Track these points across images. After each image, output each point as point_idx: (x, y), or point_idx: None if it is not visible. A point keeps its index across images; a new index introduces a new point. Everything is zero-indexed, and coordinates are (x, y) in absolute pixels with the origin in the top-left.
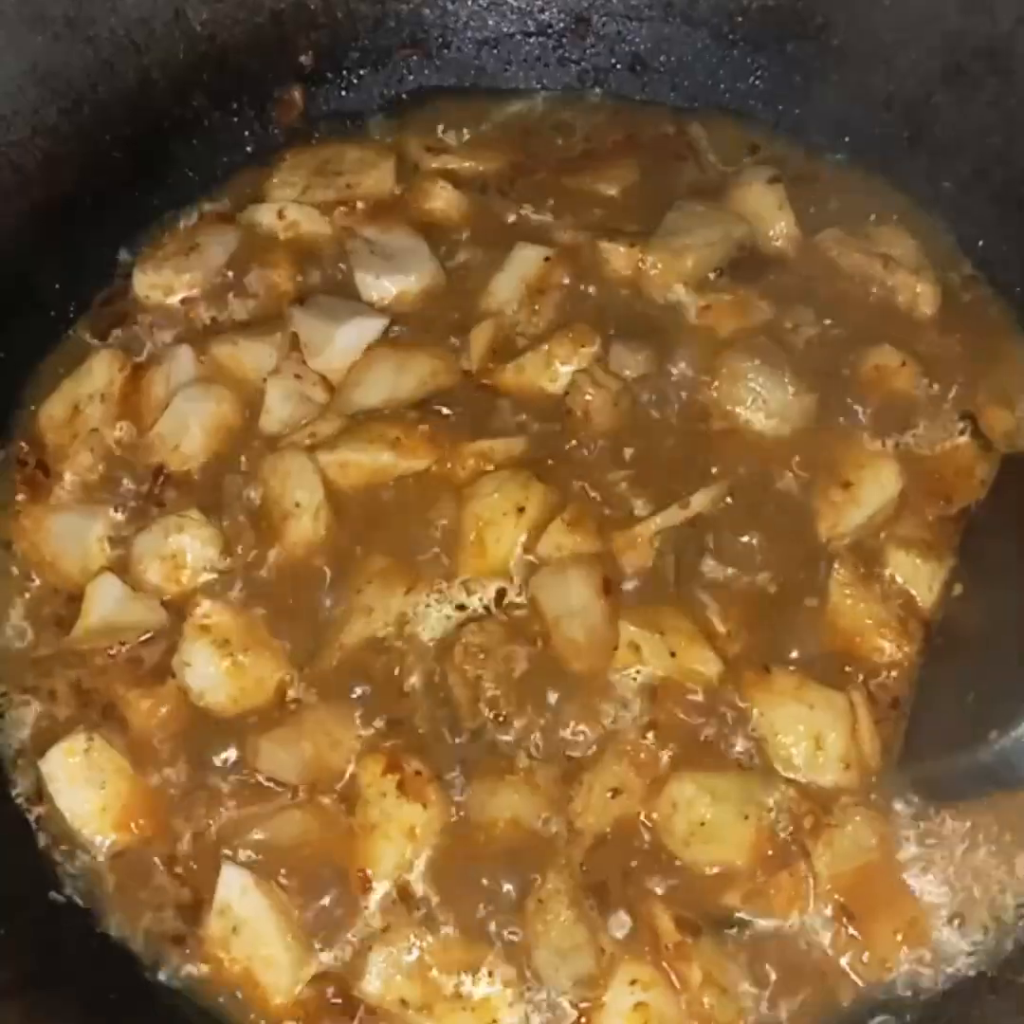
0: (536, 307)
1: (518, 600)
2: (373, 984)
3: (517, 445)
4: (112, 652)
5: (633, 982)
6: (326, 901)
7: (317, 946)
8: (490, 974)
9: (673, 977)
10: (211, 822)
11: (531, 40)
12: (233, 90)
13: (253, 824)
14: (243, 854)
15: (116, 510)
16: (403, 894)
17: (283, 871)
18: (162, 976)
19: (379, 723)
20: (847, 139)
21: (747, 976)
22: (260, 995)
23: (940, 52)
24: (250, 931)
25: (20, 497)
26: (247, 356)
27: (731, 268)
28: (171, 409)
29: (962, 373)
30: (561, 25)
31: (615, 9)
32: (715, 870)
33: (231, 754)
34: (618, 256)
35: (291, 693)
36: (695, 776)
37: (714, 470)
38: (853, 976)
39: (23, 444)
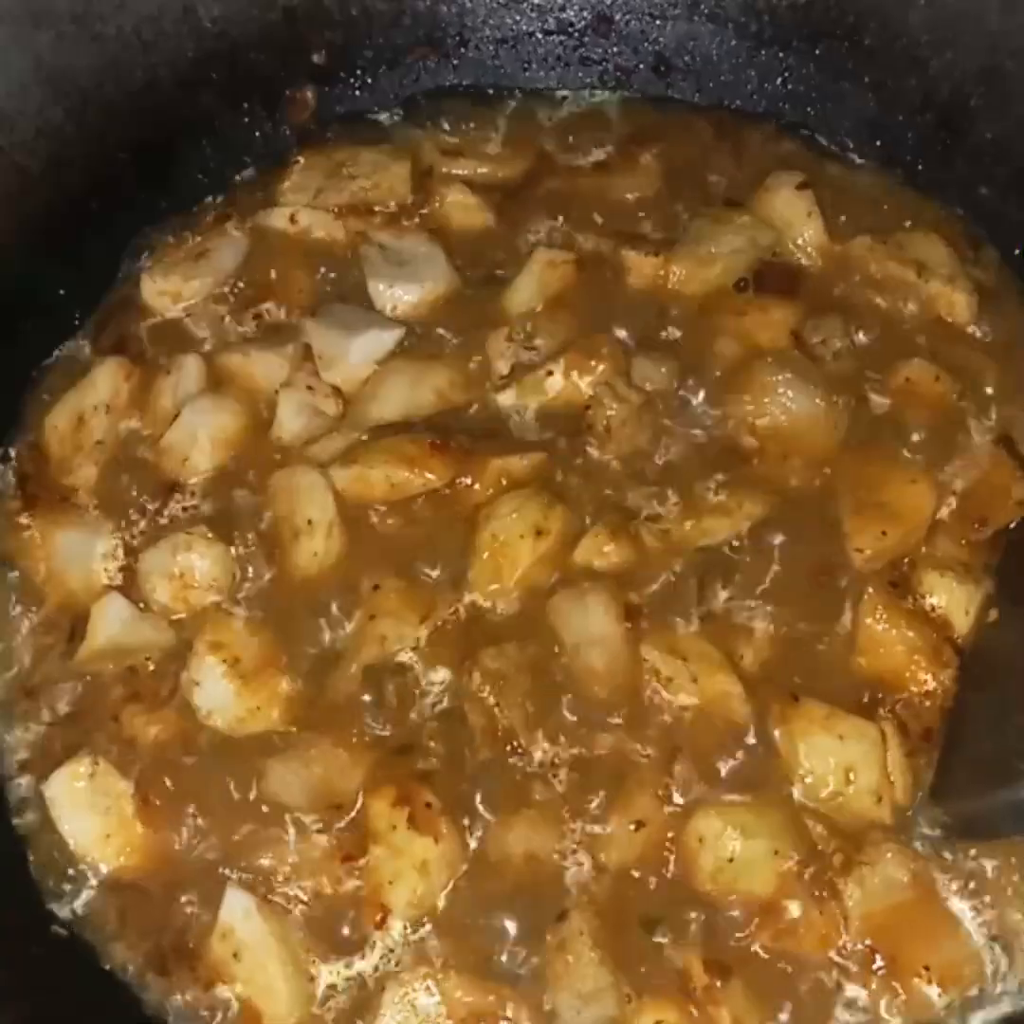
0: (556, 317)
1: (536, 625)
2: None
3: (536, 461)
4: (118, 673)
5: None
6: (335, 936)
7: (326, 983)
8: (508, 1017)
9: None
10: (217, 847)
11: (551, 39)
12: (244, 89)
13: (260, 851)
14: (248, 880)
15: (122, 526)
16: (416, 931)
17: (290, 901)
18: (164, 1008)
19: (391, 751)
20: (879, 143)
21: (778, 1020)
22: None
23: (978, 53)
24: (251, 957)
25: (23, 512)
26: (258, 367)
27: (758, 277)
28: (179, 421)
29: (998, 387)
30: (582, 24)
31: (638, 7)
32: (744, 908)
33: (239, 777)
34: (641, 264)
35: (302, 716)
36: (722, 810)
37: (741, 489)
38: (886, 1017)
39: (26, 456)
